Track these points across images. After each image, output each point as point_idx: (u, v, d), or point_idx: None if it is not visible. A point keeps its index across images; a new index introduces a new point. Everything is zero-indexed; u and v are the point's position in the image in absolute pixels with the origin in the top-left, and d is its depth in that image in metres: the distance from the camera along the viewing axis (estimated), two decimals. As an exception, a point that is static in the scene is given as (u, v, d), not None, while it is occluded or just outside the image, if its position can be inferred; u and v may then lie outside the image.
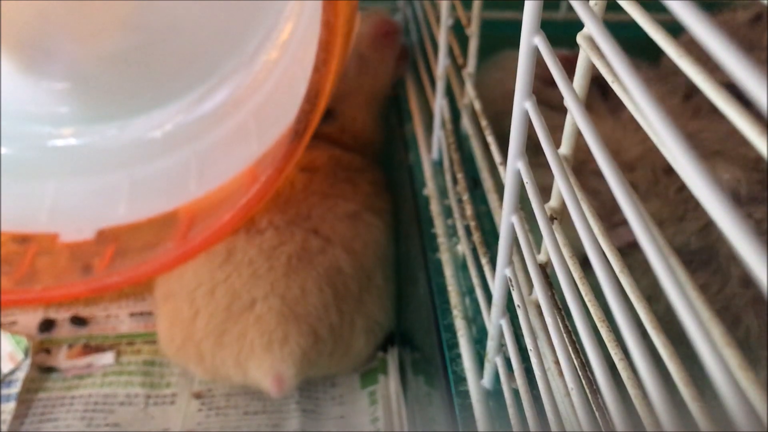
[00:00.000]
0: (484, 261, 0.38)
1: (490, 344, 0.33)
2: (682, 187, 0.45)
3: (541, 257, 0.30)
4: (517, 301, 0.28)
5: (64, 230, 0.60)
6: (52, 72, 0.60)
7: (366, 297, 0.54)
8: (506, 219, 0.27)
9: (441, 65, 0.50)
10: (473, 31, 0.46)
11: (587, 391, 0.24)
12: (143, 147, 0.63)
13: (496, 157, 0.37)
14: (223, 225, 0.53)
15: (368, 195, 0.61)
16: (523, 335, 0.28)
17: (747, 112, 0.14)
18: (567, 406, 0.26)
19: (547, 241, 0.23)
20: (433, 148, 0.54)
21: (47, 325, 0.59)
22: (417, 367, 0.49)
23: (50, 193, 0.62)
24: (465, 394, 0.35)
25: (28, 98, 0.61)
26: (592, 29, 0.18)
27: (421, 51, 0.66)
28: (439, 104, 0.51)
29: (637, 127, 0.28)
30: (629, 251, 0.38)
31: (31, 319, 0.59)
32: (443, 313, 0.40)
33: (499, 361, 0.32)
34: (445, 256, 0.44)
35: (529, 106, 0.23)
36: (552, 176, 0.23)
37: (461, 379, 0.36)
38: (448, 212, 0.48)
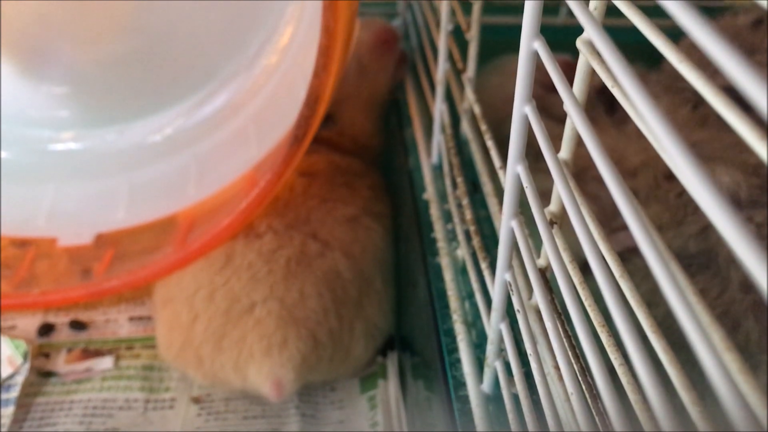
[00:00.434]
0: (483, 265, 0.38)
1: (490, 349, 0.33)
2: (683, 192, 0.45)
3: (541, 262, 0.30)
4: (516, 305, 0.28)
5: (63, 234, 0.60)
6: (52, 76, 0.60)
7: (365, 301, 0.54)
8: (506, 223, 0.27)
9: (441, 70, 0.50)
10: (473, 36, 0.46)
11: (587, 396, 0.24)
12: (143, 151, 0.63)
13: (496, 161, 0.37)
14: (222, 229, 0.53)
15: (367, 199, 0.61)
16: (522, 340, 0.27)
17: (747, 116, 0.14)
18: (567, 411, 0.26)
19: (546, 245, 0.23)
20: (432, 152, 0.54)
21: (46, 329, 0.59)
22: (417, 372, 0.49)
23: (49, 197, 0.62)
24: (465, 399, 0.35)
25: (27, 102, 0.61)
26: (591, 34, 0.18)
27: (421, 55, 0.66)
28: (439, 108, 0.51)
29: (640, 137, 0.28)
30: (629, 256, 0.38)
31: (30, 323, 0.59)
32: (443, 317, 0.40)
33: (498, 366, 0.32)
34: (444, 261, 0.44)
35: (529, 111, 0.23)
36: (552, 181, 0.23)
37: (461, 384, 0.36)
38: (447, 216, 0.48)
